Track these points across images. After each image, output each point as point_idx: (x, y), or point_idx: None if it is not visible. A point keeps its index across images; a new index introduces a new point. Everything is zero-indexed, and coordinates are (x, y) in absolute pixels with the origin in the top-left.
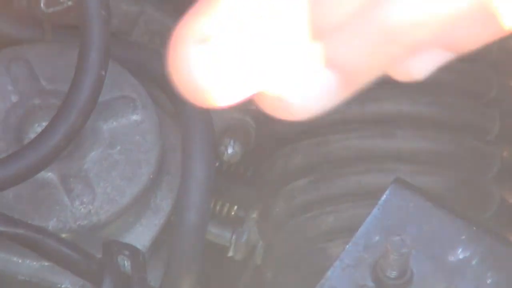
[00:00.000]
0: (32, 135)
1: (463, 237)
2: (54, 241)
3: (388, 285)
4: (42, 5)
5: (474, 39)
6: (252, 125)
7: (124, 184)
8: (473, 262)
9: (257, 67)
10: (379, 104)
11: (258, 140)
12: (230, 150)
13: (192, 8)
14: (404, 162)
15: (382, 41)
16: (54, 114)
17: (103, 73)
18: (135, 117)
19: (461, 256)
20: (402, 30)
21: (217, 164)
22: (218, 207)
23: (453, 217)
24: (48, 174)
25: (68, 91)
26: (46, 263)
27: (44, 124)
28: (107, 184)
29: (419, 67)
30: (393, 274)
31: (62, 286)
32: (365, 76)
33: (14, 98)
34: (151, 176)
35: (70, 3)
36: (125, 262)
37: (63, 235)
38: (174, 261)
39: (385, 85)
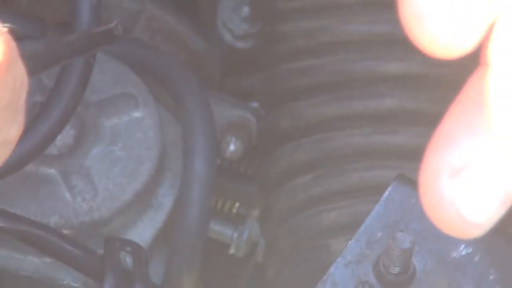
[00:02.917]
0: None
1: None
2: (56, 237)
3: (391, 281)
4: None
5: None
6: (254, 122)
7: (126, 180)
8: (476, 259)
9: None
10: (381, 101)
11: (259, 137)
12: (231, 147)
13: (436, 136)
14: (406, 158)
15: None
16: (45, 101)
17: (92, 60)
18: (136, 114)
19: (463, 253)
20: None
21: (218, 161)
22: (219, 204)
23: None
24: (50, 171)
25: (57, 79)
26: (48, 259)
27: None
28: (109, 180)
29: None
30: (396, 270)
31: (64, 282)
32: None
33: None
34: (153, 173)
35: None
36: (127, 258)
37: (65, 232)
38: (175, 258)
39: (387, 82)
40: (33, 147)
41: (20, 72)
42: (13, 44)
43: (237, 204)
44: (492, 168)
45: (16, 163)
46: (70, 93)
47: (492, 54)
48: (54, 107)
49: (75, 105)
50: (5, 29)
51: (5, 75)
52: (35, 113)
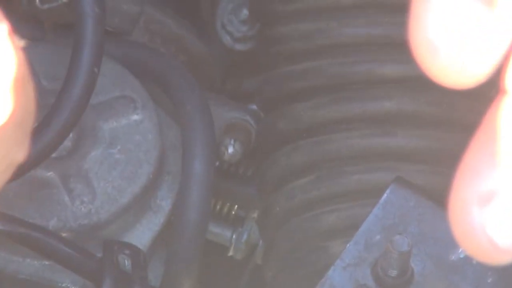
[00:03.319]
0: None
1: None
2: (55, 240)
3: (389, 284)
4: (37, 1)
5: None
6: (253, 124)
7: (125, 183)
8: (474, 261)
9: None
10: (380, 103)
11: (258, 139)
12: (230, 150)
13: (462, 166)
14: (404, 161)
15: None
16: (47, 112)
17: (96, 70)
18: (135, 117)
19: (461, 255)
20: None
21: (217, 163)
22: (218, 207)
23: None
24: (49, 174)
25: (61, 89)
26: (47, 262)
27: None
28: (108, 183)
29: None
30: (394, 273)
31: (63, 285)
32: None
33: None
34: (151, 176)
35: (65, 0)
36: (126, 261)
37: (64, 235)
38: (174, 260)
39: (386, 84)
40: (32, 157)
41: (32, 93)
42: (26, 62)
43: (236, 206)
44: None
45: (14, 173)
46: (73, 105)
47: (509, 81)
48: (55, 119)
49: (78, 117)
50: (22, 44)
51: (21, 90)
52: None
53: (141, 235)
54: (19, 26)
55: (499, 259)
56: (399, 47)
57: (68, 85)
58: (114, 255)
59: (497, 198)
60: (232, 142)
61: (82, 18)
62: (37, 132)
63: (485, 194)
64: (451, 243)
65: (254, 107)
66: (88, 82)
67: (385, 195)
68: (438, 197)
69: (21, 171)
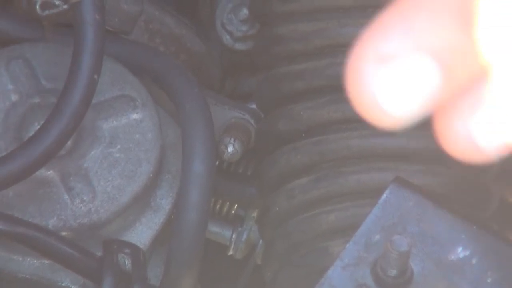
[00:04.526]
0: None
1: (463, 236)
2: (55, 240)
3: (388, 284)
4: (37, 8)
5: None
6: (253, 123)
7: (124, 182)
8: (473, 261)
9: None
10: None
11: (258, 139)
12: (230, 149)
13: (373, 24)
14: (403, 161)
15: None
16: (46, 118)
17: (96, 77)
18: (135, 116)
19: (461, 255)
20: None
21: (217, 163)
22: (218, 206)
23: (453, 216)
24: (49, 173)
25: (60, 95)
26: (47, 261)
27: None
28: (107, 182)
29: None
30: (393, 273)
31: (63, 284)
32: None
33: (14, 97)
34: (151, 175)
35: (65, 6)
36: (126, 260)
37: (64, 234)
38: (174, 259)
39: None
40: (32, 161)
41: None
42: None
43: (235, 206)
44: (418, 64)
45: (12, 178)
46: (73, 111)
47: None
48: (55, 125)
49: (78, 123)
50: None
51: None
52: (33, 116)
53: (141, 234)
54: (18, 26)
55: (382, 121)
56: None
57: (68, 91)
58: (114, 254)
59: (395, 61)
60: (232, 141)
61: (83, 26)
62: (37, 137)
63: (385, 54)
64: (450, 243)
65: (254, 106)
66: (88, 89)
67: (384, 195)
68: (437, 197)
69: (19, 177)
